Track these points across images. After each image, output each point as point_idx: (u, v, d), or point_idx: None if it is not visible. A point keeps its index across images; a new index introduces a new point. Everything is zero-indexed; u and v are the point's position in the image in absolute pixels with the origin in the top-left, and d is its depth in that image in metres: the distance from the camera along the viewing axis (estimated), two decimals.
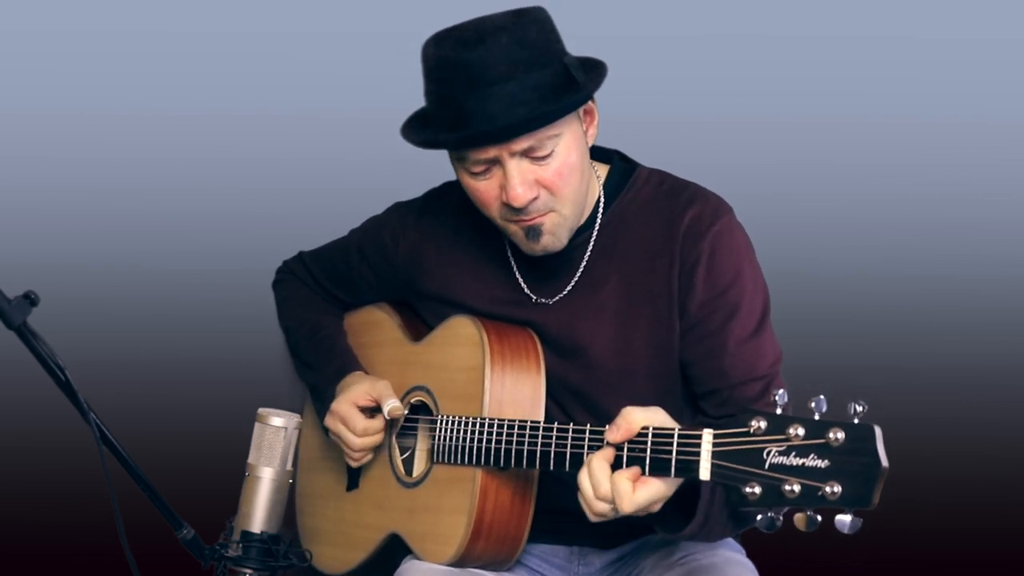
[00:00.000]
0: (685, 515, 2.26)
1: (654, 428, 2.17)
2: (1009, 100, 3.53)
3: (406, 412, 2.61)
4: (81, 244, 3.55)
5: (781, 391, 2.03)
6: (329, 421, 2.64)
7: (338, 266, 2.81)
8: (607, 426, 2.22)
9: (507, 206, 2.39)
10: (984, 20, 3.51)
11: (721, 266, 2.44)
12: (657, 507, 2.19)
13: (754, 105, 3.53)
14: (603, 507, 2.18)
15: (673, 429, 2.15)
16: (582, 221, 2.50)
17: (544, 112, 2.33)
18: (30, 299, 2.29)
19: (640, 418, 2.19)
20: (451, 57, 2.34)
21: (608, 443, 2.21)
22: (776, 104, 3.53)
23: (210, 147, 3.57)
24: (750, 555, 2.59)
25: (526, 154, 2.36)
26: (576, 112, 2.41)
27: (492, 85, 2.31)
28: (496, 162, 2.38)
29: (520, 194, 2.36)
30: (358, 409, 2.61)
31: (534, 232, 2.41)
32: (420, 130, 2.44)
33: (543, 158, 2.37)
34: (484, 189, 2.41)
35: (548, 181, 2.38)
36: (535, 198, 2.38)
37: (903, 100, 3.55)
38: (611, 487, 2.16)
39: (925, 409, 3.46)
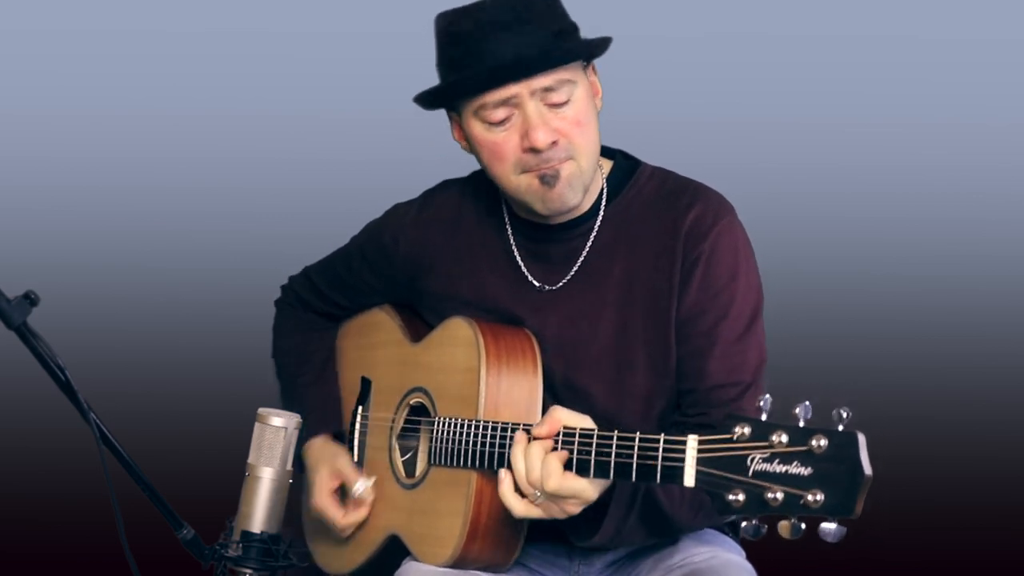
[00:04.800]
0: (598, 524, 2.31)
1: (640, 435, 2.18)
2: (1009, 100, 3.53)
3: (372, 488, 2.63)
4: (81, 244, 3.55)
5: (766, 397, 2.03)
6: (314, 514, 2.69)
7: (341, 273, 2.80)
8: (596, 429, 2.24)
9: (528, 152, 2.41)
10: (984, 20, 3.52)
11: (718, 267, 2.45)
12: (575, 508, 2.25)
13: (754, 105, 3.53)
14: (530, 490, 2.25)
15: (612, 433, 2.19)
16: (585, 207, 2.51)
17: (563, 49, 2.39)
18: (30, 299, 2.28)
19: (564, 417, 2.25)
20: (466, 12, 2.40)
21: (533, 437, 2.26)
22: (776, 104, 3.54)
23: (210, 147, 3.57)
24: (750, 557, 2.58)
25: (544, 99, 2.39)
26: (585, 73, 2.45)
27: (508, 28, 2.37)
28: (515, 107, 2.40)
29: (541, 137, 2.38)
30: (333, 502, 2.65)
31: (551, 179, 2.42)
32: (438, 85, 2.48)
33: (560, 105, 2.40)
34: (503, 141, 2.42)
35: (567, 129, 2.41)
36: (555, 143, 2.40)
37: (904, 101, 3.56)
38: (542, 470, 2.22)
39: (925, 409, 3.46)
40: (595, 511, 2.29)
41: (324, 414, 2.75)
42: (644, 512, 2.34)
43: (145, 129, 3.57)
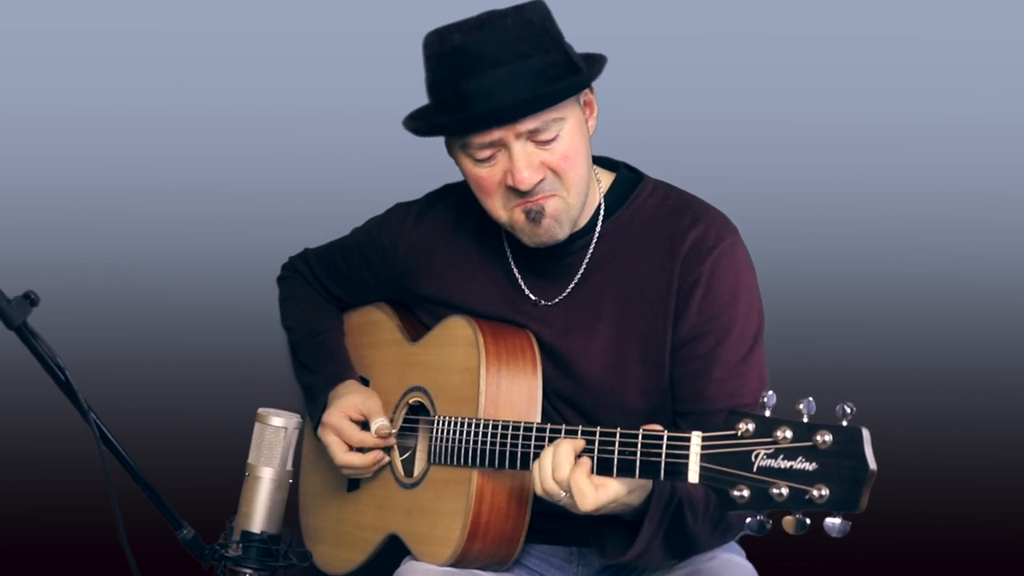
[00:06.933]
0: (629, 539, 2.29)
1: (644, 431, 2.17)
2: (1009, 100, 3.53)
3: (395, 432, 2.62)
4: (81, 244, 3.55)
5: (770, 393, 2.03)
6: (321, 432, 2.65)
7: (338, 265, 2.81)
8: (598, 428, 2.23)
9: (512, 190, 2.38)
10: (984, 20, 3.51)
11: (718, 290, 2.42)
12: (614, 507, 2.22)
13: (754, 105, 3.53)
14: (553, 487, 2.22)
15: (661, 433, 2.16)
16: (581, 224, 2.49)
17: (548, 92, 2.33)
18: (30, 299, 2.29)
19: None
20: (453, 43, 2.35)
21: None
22: (776, 104, 3.53)
23: (210, 147, 3.57)
24: (750, 557, 2.58)
25: (531, 137, 2.36)
26: (578, 100, 2.42)
27: (495, 67, 2.32)
28: (501, 146, 2.37)
29: (526, 177, 2.35)
30: (350, 421, 2.62)
31: (536, 214, 2.39)
32: (423, 119, 2.44)
33: (548, 142, 2.37)
34: (488, 176, 2.40)
35: (554, 164, 2.38)
36: (541, 180, 2.38)
37: (904, 100, 3.55)
38: (569, 482, 2.19)
39: (924, 409, 3.46)
40: (628, 528, 2.27)
41: (351, 361, 2.73)
42: (670, 530, 2.30)
43: (145, 129, 3.57)
